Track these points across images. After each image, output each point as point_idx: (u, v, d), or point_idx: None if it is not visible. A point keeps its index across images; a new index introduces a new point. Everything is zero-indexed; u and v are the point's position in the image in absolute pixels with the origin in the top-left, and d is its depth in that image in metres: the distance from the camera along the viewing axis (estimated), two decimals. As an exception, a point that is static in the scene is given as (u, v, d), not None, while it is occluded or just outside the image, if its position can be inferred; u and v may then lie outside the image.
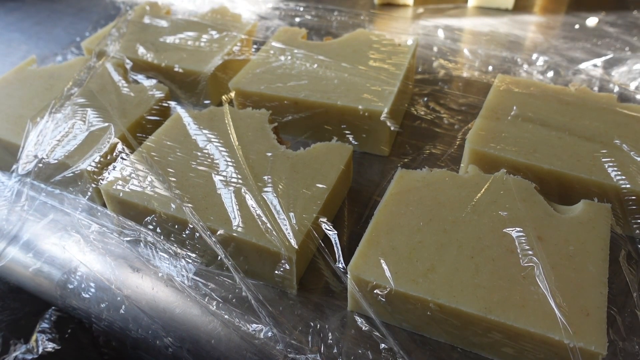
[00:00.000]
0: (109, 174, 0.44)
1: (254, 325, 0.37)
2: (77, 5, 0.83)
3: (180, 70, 0.55)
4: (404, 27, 0.76)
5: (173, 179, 0.42)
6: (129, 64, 0.56)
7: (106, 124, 0.47)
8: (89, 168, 0.44)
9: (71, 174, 0.44)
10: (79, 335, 0.45)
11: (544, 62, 0.65)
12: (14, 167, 0.47)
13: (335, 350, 0.35)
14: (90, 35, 0.70)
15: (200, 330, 0.39)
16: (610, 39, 0.70)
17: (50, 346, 0.44)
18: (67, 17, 0.79)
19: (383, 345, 0.35)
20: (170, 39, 0.60)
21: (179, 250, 0.41)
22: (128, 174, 0.42)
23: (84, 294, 0.42)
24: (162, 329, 0.40)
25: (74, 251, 0.43)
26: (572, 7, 0.80)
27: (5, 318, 0.47)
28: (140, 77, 0.55)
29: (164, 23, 0.63)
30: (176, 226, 0.40)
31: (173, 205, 0.40)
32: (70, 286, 0.43)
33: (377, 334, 0.36)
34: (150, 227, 0.41)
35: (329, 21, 0.76)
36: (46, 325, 0.45)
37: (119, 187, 0.41)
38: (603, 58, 0.65)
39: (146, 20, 0.63)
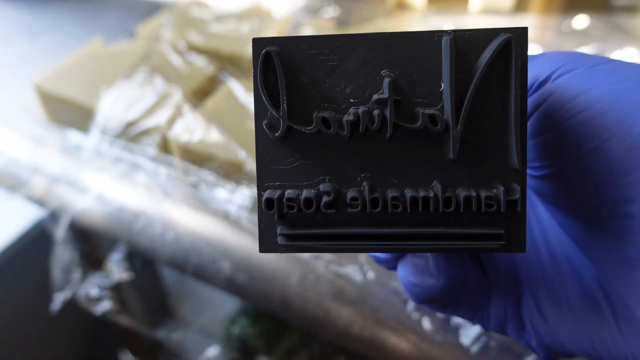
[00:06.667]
0: (175, 128, 0.52)
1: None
2: (122, 3, 0.93)
3: (227, 52, 0.64)
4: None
5: (230, 131, 0.50)
6: (182, 47, 0.65)
7: (171, 90, 0.56)
8: (159, 124, 0.52)
9: (142, 130, 0.53)
10: (147, 267, 0.54)
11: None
12: (91, 127, 0.56)
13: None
14: (141, 24, 0.79)
15: (251, 253, 0.47)
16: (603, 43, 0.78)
17: (123, 275, 0.53)
18: (116, 8, 0.89)
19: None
20: (215, 28, 0.69)
21: (234, 189, 0.49)
22: (192, 128, 0.51)
23: (150, 233, 0.50)
24: (222, 255, 0.48)
25: (143, 194, 0.52)
26: (570, 10, 0.88)
27: (81, 253, 0.56)
28: (193, 58, 0.64)
29: (209, 15, 0.72)
30: (233, 169, 0.49)
31: (231, 150, 0.48)
32: (139, 226, 0.51)
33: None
34: (211, 170, 0.50)
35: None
36: (118, 258, 0.54)
37: (184, 138, 0.50)
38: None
39: (194, 12, 0.72)
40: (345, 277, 0.44)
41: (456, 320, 0.40)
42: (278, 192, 0.19)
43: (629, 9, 0.83)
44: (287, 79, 0.18)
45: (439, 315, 0.41)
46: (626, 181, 0.17)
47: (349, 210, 0.19)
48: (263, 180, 0.19)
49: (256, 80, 0.18)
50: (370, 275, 0.43)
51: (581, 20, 0.78)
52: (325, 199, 0.19)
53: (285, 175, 0.19)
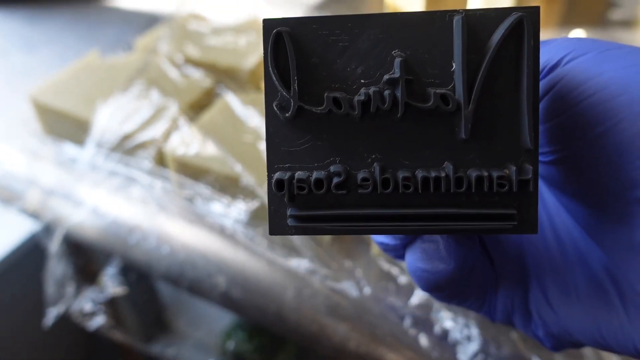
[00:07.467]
0: (171, 142, 0.52)
1: (295, 260, 0.45)
2: (120, 15, 0.93)
3: (224, 65, 0.64)
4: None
5: (226, 145, 0.50)
6: (179, 60, 0.65)
7: (168, 103, 0.55)
8: (155, 137, 0.52)
9: (138, 144, 0.53)
10: (142, 281, 0.53)
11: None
12: (87, 140, 0.56)
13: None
14: (139, 37, 0.80)
15: (247, 267, 0.47)
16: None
17: (118, 290, 0.52)
18: (113, 20, 0.89)
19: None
20: (213, 41, 0.69)
21: (230, 203, 0.49)
22: (188, 141, 0.51)
23: (145, 246, 0.50)
24: (217, 269, 0.47)
25: (138, 208, 0.51)
26: (566, 25, 0.89)
27: (75, 267, 0.55)
28: (190, 71, 0.64)
29: (206, 28, 0.72)
30: (229, 183, 0.48)
31: (227, 164, 0.48)
32: (134, 240, 0.51)
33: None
34: (207, 184, 0.49)
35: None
36: (113, 272, 0.53)
37: (180, 152, 0.50)
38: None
39: (192, 25, 0.73)
40: (341, 292, 0.43)
41: (453, 336, 0.40)
42: (288, 174, 0.19)
43: (626, 24, 0.84)
44: (298, 59, 0.18)
45: (436, 331, 0.40)
46: (637, 165, 0.17)
47: (359, 191, 0.19)
48: (273, 162, 0.19)
49: (266, 61, 0.18)
50: (367, 290, 0.43)
51: (577, 35, 0.79)
52: (335, 180, 0.18)
53: (295, 157, 0.19)
